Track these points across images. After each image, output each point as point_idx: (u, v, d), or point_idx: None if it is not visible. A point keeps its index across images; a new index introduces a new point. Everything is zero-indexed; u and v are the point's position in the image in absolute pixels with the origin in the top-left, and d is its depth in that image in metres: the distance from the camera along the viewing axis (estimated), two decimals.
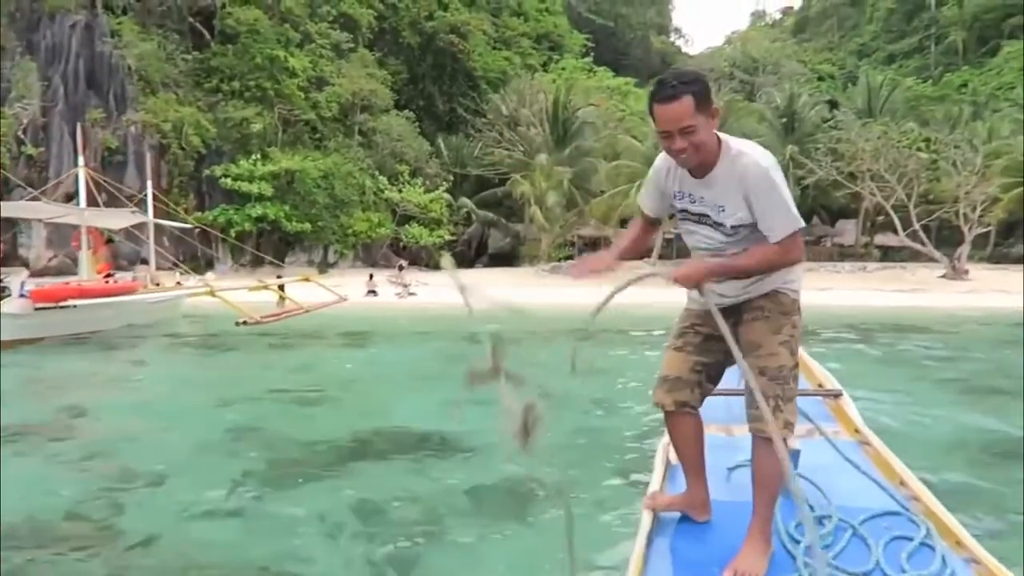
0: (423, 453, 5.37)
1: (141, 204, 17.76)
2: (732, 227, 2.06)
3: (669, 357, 2.30)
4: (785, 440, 2.00)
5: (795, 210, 2.02)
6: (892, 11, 63.01)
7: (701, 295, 2.08)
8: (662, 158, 2.20)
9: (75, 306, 11.79)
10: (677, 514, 2.32)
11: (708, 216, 2.11)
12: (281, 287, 13.60)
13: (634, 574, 1.97)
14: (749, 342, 2.12)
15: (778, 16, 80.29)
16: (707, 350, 2.23)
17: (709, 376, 2.27)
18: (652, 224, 2.37)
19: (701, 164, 2.04)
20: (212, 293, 11.96)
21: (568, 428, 5.85)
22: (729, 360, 2.20)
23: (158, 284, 15.47)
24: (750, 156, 2.01)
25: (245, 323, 10.81)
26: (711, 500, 2.33)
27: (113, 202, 17.08)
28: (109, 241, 15.77)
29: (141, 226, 17.68)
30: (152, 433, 6.13)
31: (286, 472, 4.90)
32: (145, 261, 17.96)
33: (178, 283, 16.73)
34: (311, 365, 10.20)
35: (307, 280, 14.29)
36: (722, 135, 2.06)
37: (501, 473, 4.76)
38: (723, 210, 2.06)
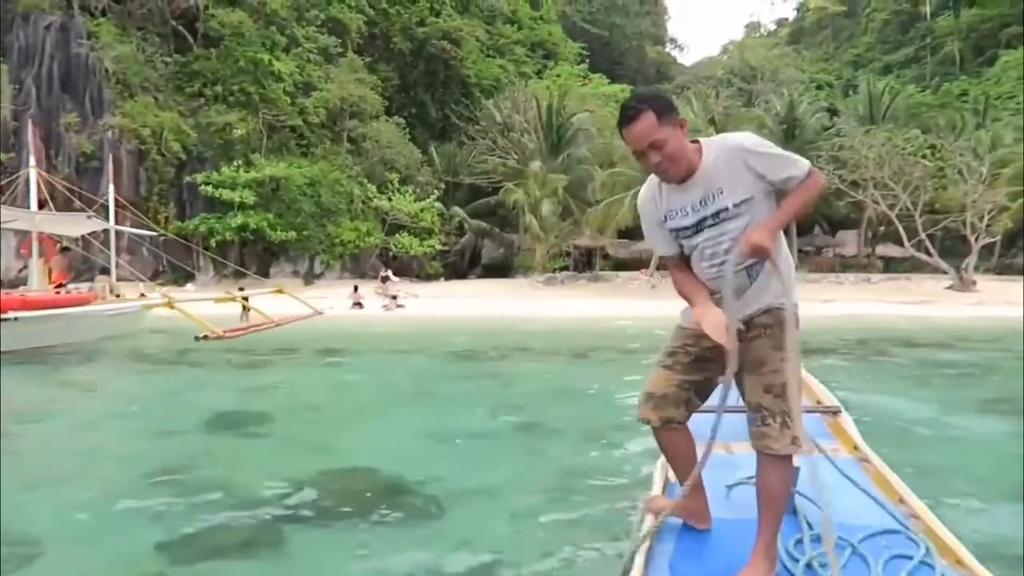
0: (383, 512, 4.21)
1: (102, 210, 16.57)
2: (735, 205, 2.06)
3: (656, 375, 2.27)
4: (791, 456, 2.06)
5: None
6: (887, 22, 62.96)
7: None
8: (642, 195, 2.26)
9: (15, 319, 10.59)
10: (676, 531, 2.30)
11: (706, 218, 2.12)
12: (245, 299, 12.43)
13: None
14: (752, 360, 2.12)
15: (773, 27, 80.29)
16: (697, 370, 2.24)
17: (698, 393, 2.28)
18: (684, 261, 2.28)
19: (683, 173, 2.08)
20: (171, 305, 10.91)
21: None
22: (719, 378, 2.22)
23: (118, 295, 14.26)
24: (731, 135, 2.10)
25: (206, 338, 10.07)
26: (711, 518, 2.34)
27: (86, 209, 15.94)
28: (65, 249, 14.54)
29: (117, 234, 16.54)
30: (47, 481, 4.95)
31: (200, 543, 3.74)
32: (106, 271, 16.73)
33: (142, 295, 15.51)
34: (272, 387, 9.02)
35: (280, 292, 13.14)
36: (703, 140, 2.12)
37: (484, 546, 3.63)
38: (721, 192, 2.07)
